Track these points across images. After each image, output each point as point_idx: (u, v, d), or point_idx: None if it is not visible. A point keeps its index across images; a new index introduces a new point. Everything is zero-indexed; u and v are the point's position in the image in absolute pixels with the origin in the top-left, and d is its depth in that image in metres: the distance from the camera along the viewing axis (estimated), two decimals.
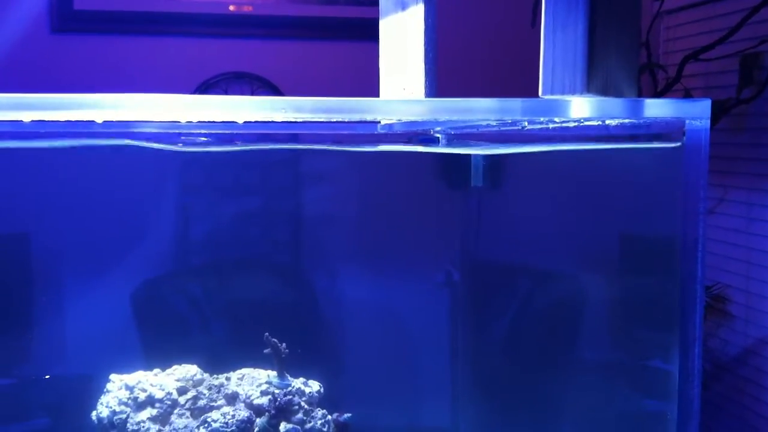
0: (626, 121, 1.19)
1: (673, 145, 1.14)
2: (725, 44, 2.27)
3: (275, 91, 2.59)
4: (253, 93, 2.57)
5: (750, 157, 2.33)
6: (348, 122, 1.51)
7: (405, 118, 1.46)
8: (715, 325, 2.48)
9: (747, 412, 2.36)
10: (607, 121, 1.22)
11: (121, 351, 1.72)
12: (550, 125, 1.33)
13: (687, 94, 2.42)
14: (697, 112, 1.12)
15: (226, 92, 2.56)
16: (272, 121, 1.24)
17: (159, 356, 1.62)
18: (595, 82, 1.11)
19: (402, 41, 1.53)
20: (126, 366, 1.57)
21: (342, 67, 2.65)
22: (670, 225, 1.18)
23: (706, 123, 1.11)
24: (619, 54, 1.13)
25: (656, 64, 2.56)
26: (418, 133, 1.77)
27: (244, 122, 1.20)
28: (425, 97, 1.48)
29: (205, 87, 2.56)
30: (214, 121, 1.31)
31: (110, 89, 1.11)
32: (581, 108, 1.13)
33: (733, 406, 2.41)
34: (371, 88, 1.62)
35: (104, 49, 2.54)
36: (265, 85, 2.60)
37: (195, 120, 1.18)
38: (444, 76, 1.74)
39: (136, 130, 1.53)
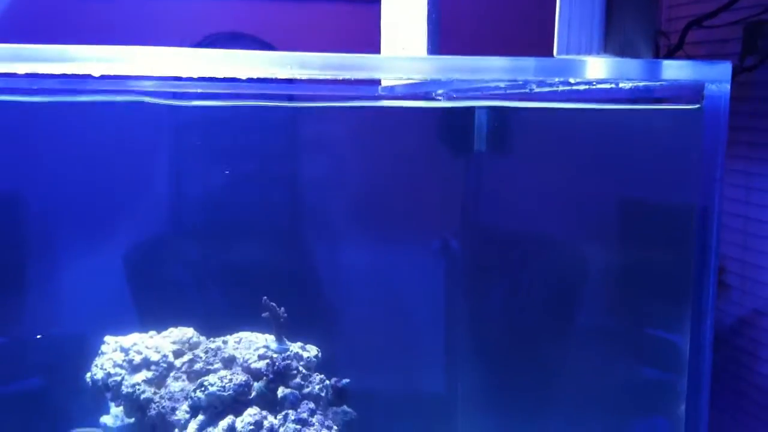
0: (641, 84, 1.16)
1: (691, 108, 1.11)
2: (729, 11, 2.24)
3: None
4: None
5: (751, 127, 2.31)
6: (347, 83, 1.47)
7: (410, 77, 1.42)
8: None
9: (742, 383, 2.36)
10: (621, 84, 1.18)
11: (116, 313, 1.69)
12: (559, 87, 1.29)
13: None
14: (717, 75, 1.09)
15: None
16: (273, 79, 1.20)
17: (155, 319, 1.60)
18: (612, 43, 1.08)
19: (404, 1, 1.49)
20: (121, 328, 1.54)
21: (342, 28, 2.59)
22: (685, 194, 1.15)
23: (726, 87, 1.08)
24: (638, 13, 1.09)
25: (659, 31, 2.53)
26: (420, 96, 1.74)
27: (247, 78, 1.16)
28: None
29: (200, 48, 2.51)
30: (215, 78, 1.27)
31: None
32: (598, 68, 1.09)
33: (728, 377, 2.41)
34: (372, 51, 1.59)
35: (98, 7, 2.48)
36: (262, 46, 2.54)
37: (196, 75, 1.13)
38: (448, 39, 1.70)
39: (133, 86, 1.49)
